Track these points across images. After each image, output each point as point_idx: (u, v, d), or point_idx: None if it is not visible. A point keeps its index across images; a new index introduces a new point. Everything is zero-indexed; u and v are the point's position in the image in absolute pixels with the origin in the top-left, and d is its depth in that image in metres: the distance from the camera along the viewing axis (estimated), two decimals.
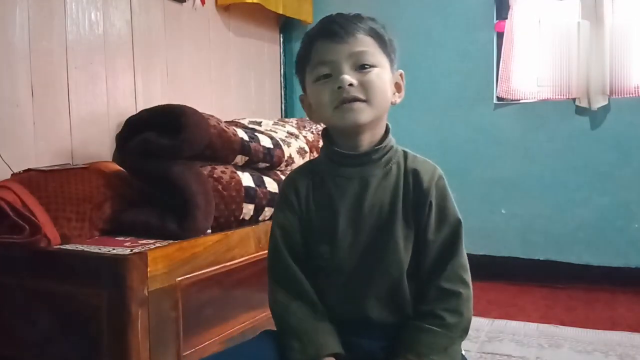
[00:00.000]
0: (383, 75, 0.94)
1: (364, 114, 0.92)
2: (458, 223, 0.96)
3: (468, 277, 0.96)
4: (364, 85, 0.92)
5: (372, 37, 0.94)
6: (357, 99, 0.91)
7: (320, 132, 2.11)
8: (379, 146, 0.97)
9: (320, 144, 2.07)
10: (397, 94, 0.99)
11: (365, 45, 0.93)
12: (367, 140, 0.96)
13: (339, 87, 0.91)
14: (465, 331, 0.95)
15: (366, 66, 0.92)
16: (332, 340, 0.94)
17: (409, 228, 0.95)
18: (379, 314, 0.95)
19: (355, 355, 0.94)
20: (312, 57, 0.94)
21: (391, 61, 0.97)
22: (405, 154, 1.00)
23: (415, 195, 0.96)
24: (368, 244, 0.95)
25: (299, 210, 0.99)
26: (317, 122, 1.03)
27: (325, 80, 0.93)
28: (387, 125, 0.99)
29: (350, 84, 0.91)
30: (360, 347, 0.95)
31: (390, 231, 0.95)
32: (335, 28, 0.92)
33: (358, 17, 0.95)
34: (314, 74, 0.94)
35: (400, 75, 0.99)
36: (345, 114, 0.92)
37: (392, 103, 0.98)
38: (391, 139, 0.99)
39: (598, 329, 1.96)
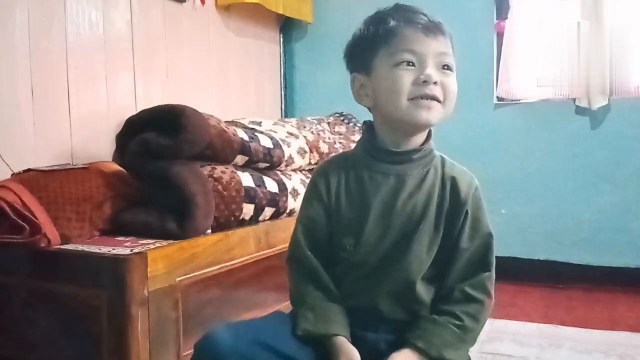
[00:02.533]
0: (455, 80, 0.95)
1: (437, 114, 0.92)
2: (489, 236, 0.98)
3: (492, 290, 0.97)
4: (445, 87, 0.92)
5: (450, 40, 0.95)
6: (436, 99, 0.91)
7: (319, 133, 2.12)
8: (420, 147, 0.97)
9: (321, 144, 2.08)
10: None
11: (449, 47, 0.95)
12: (413, 140, 0.97)
13: (424, 81, 0.90)
14: (474, 340, 0.96)
15: (447, 67, 0.93)
16: (343, 323, 0.94)
17: (436, 233, 0.96)
18: (390, 309, 0.96)
19: (358, 346, 0.94)
20: (396, 41, 0.92)
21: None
22: (442, 159, 1.00)
23: (452, 203, 0.96)
24: (393, 243, 0.95)
25: (327, 201, 0.99)
26: (367, 105, 0.99)
27: (408, 68, 0.91)
28: (429, 129, 0.99)
29: (435, 82, 0.90)
30: (364, 339, 0.96)
31: (417, 234, 0.94)
32: (426, 20, 0.92)
33: (431, 15, 0.96)
34: (397, 58, 0.92)
35: None
36: (421, 110, 0.91)
37: None
38: (432, 144, 0.99)
39: (598, 329, 1.96)
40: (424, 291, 0.96)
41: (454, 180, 0.97)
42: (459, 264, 0.96)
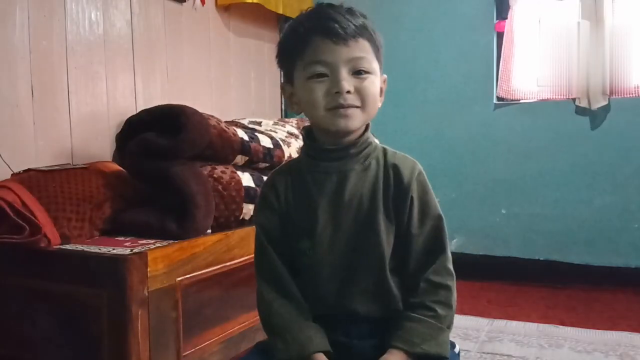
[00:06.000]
0: (376, 82, 0.94)
1: (356, 120, 0.92)
2: (439, 218, 0.97)
3: (452, 269, 0.97)
4: (360, 92, 0.91)
5: (369, 41, 0.93)
6: (352, 107, 0.91)
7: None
8: (356, 141, 0.97)
9: None
10: (379, 98, 0.98)
11: (365, 50, 0.92)
12: (347, 137, 0.96)
13: (336, 92, 0.90)
14: (451, 323, 0.96)
15: (362, 72, 0.92)
16: (318, 337, 0.93)
17: (389, 222, 0.96)
18: (365, 308, 0.95)
19: (345, 355, 0.94)
20: (308, 52, 0.92)
21: (380, 67, 0.97)
22: (384, 150, 1.00)
23: (396, 190, 0.96)
24: (349, 238, 0.95)
25: (278, 209, 0.99)
26: (298, 113, 1.02)
27: (320, 79, 0.91)
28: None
29: (348, 91, 0.90)
30: (349, 347, 0.95)
31: (371, 225, 0.95)
32: (335, 28, 0.90)
33: (353, 15, 0.93)
34: (309, 71, 0.92)
35: (384, 80, 0.99)
36: (338, 119, 0.91)
37: None
38: (370, 135, 0.99)
39: (598, 329, 1.96)
40: (393, 283, 0.96)
41: (396, 168, 0.97)
42: (417, 250, 0.96)
